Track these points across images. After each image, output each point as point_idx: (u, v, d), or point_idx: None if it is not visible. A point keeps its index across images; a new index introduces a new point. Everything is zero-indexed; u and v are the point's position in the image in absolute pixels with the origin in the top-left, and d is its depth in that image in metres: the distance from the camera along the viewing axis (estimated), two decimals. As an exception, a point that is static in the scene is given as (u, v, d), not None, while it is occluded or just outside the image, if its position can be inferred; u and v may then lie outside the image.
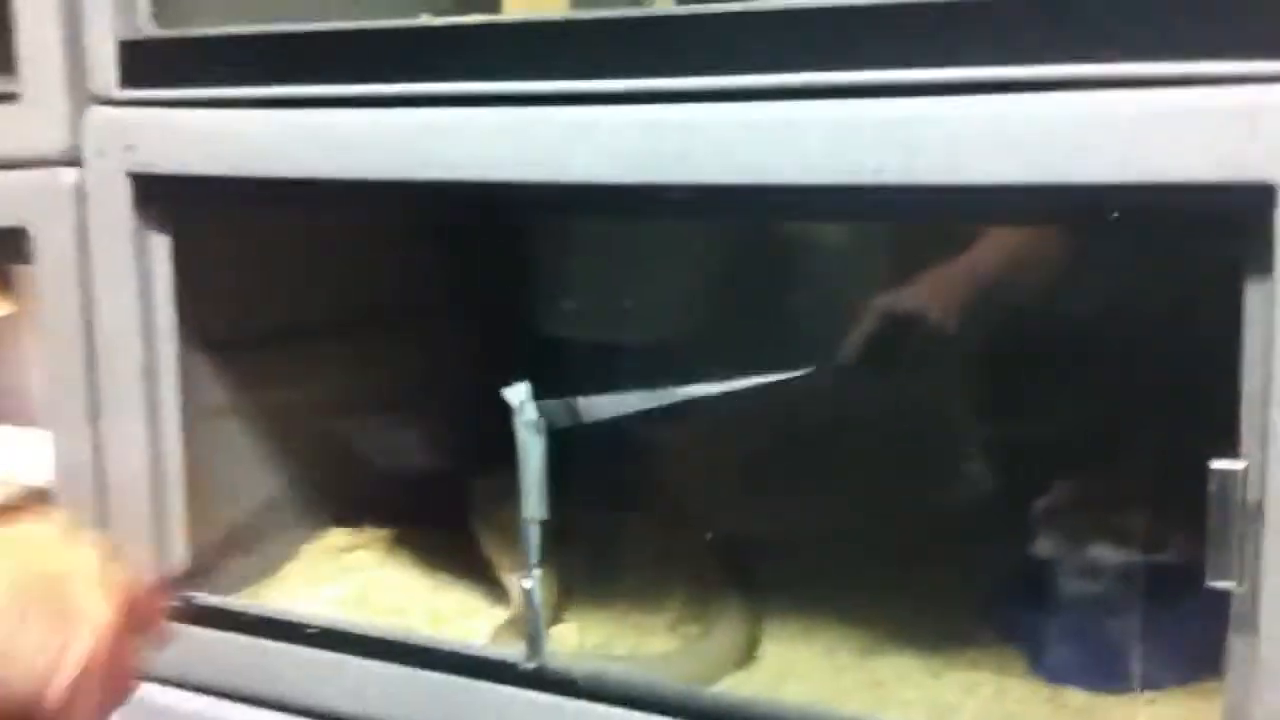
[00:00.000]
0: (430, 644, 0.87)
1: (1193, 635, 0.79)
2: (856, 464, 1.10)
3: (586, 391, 0.82)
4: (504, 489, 0.84)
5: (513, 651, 0.83)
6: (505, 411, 0.80)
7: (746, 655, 0.93)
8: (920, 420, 1.09)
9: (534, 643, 0.83)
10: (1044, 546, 0.92)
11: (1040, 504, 0.94)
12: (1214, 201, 0.62)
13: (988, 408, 1.08)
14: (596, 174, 0.75)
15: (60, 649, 0.55)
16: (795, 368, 0.84)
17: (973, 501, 1.07)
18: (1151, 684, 0.84)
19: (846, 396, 1.05)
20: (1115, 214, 0.63)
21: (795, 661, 0.92)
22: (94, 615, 0.57)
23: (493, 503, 0.98)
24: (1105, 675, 0.86)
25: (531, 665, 0.82)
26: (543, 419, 0.80)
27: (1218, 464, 0.63)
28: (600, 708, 0.80)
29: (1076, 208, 0.64)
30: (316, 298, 0.98)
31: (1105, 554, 0.90)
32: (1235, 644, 0.65)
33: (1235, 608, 0.65)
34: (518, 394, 0.80)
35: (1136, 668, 0.85)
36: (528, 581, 0.82)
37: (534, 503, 0.81)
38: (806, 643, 0.94)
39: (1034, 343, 1.01)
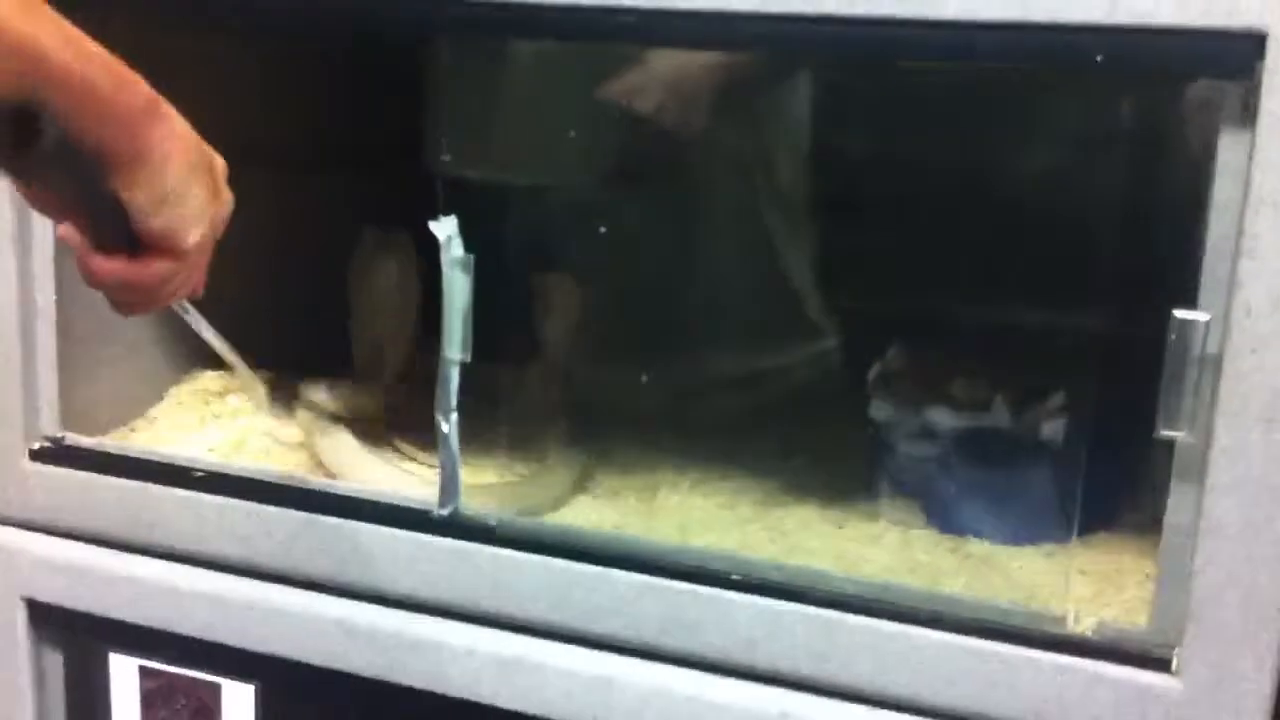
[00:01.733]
0: (327, 488, 0.82)
1: (1090, 491, 0.81)
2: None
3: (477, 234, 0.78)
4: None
5: (425, 497, 0.80)
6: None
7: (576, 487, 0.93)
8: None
9: (447, 489, 0.79)
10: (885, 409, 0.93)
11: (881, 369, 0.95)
12: (1201, 48, 0.61)
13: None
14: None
15: (211, 208, 0.61)
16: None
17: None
18: (1046, 537, 0.86)
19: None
20: (1100, 58, 0.62)
21: (696, 515, 0.91)
22: (227, 199, 0.64)
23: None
24: (999, 529, 0.87)
25: (445, 512, 0.79)
26: (470, 257, 0.76)
27: (1179, 314, 0.63)
28: (514, 553, 0.78)
29: (1064, 49, 0.63)
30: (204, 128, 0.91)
31: (1001, 415, 0.91)
32: (1178, 494, 0.66)
33: (1181, 458, 0.66)
34: (444, 229, 0.75)
35: (1030, 518, 0.87)
36: (445, 426, 0.78)
37: (457, 342, 0.77)
38: (704, 498, 0.93)
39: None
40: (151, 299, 0.62)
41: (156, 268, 0.60)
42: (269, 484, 0.83)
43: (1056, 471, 0.86)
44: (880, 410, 0.92)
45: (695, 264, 1.11)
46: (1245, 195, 0.61)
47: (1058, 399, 0.87)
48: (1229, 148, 0.62)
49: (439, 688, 0.79)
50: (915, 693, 0.71)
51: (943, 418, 0.91)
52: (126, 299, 0.62)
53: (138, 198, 0.57)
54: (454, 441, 0.79)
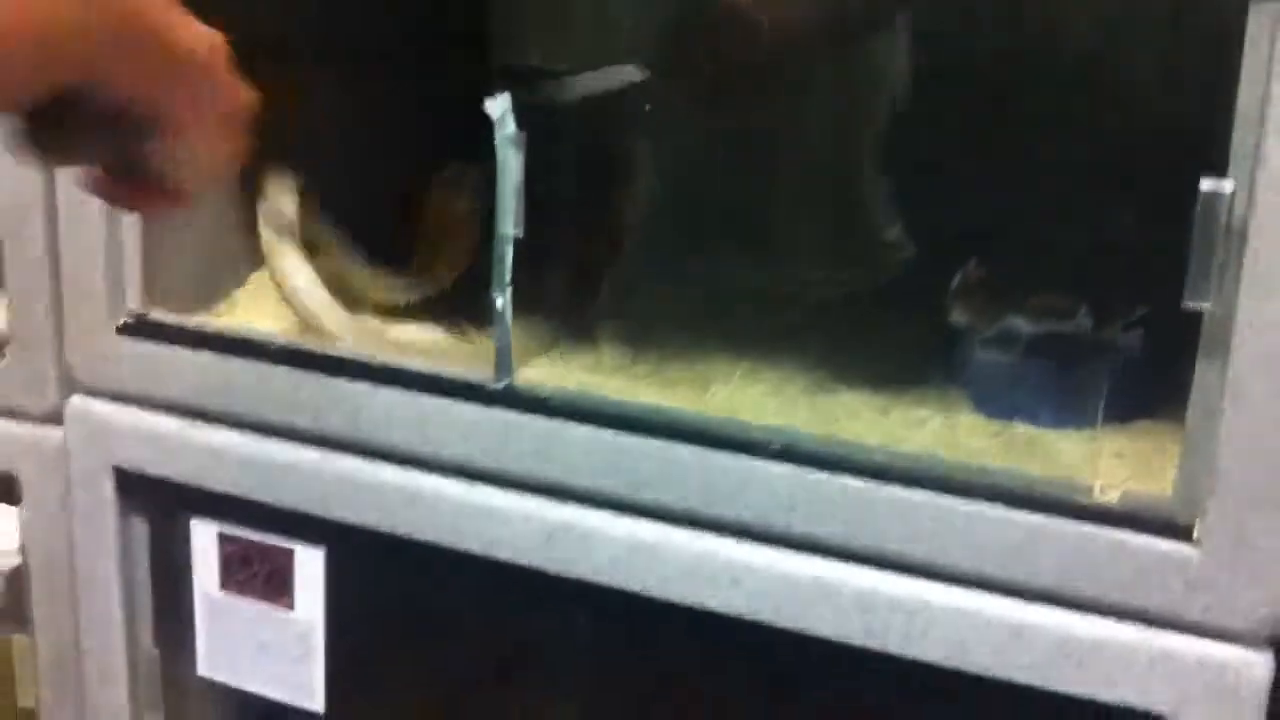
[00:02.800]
0: (396, 364, 0.86)
1: (1128, 380, 0.83)
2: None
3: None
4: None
5: (481, 372, 0.84)
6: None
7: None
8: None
9: (502, 362, 0.83)
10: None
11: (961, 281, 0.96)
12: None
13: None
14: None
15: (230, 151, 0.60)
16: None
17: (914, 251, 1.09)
18: (1090, 423, 0.87)
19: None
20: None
21: (743, 400, 0.93)
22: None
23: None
24: (1043, 413, 0.88)
25: (500, 385, 0.83)
26: (523, 134, 0.79)
27: (1206, 184, 0.64)
28: (565, 424, 0.81)
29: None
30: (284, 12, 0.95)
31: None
32: (1204, 366, 0.68)
33: (1207, 330, 0.67)
34: (499, 106, 0.78)
35: (1073, 407, 0.88)
36: (499, 299, 0.82)
37: (510, 218, 0.80)
38: (753, 386, 0.95)
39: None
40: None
41: (175, 201, 0.61)
42: (337, 359, 0.87)
43: (1113, 365, 0.88)
44: (960, 316, 0.94)
45: (769, 169, 1.13)
46: (1270, 64, 0.62)
47: (1134, 308, 0.88)
48: (1256, 19, 0.62)
49: (493, 552, 0.83)
50: (944, 559, 0.73)
51: (1022, 325, 0.92)
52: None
53: (159, 162, 0.57)
54: (508, 317, 0.82)
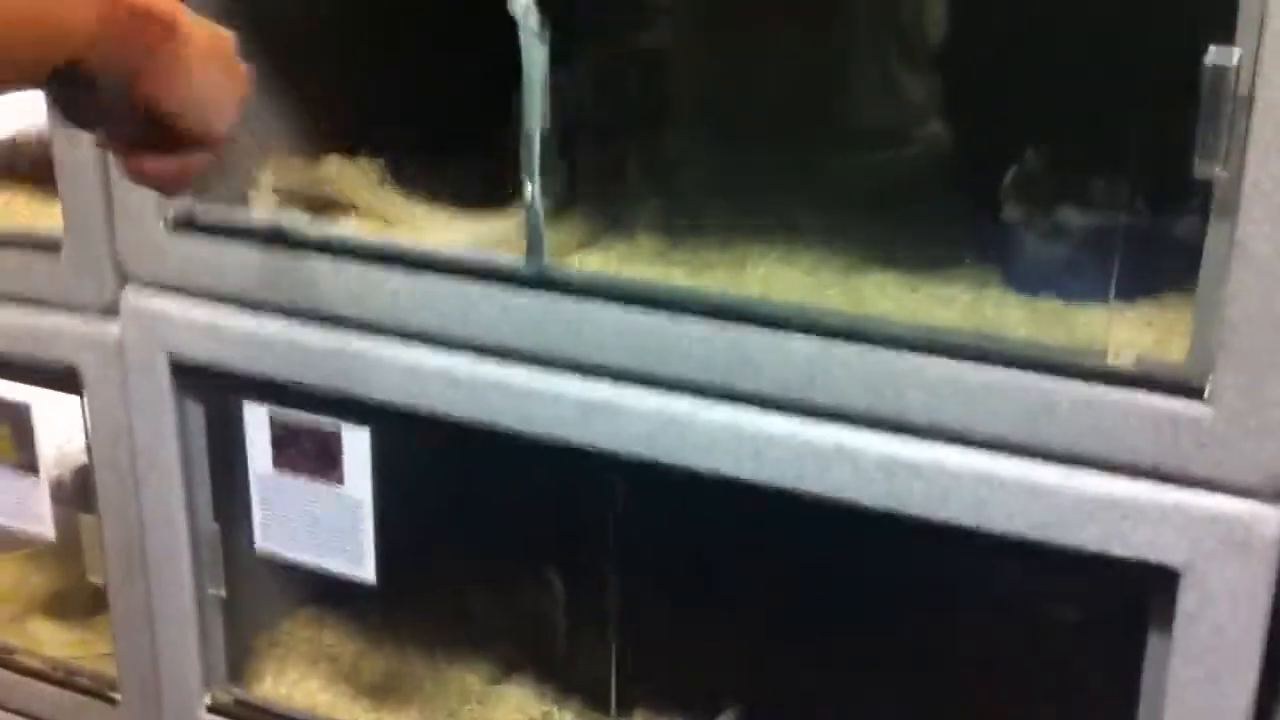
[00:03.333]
0: (432, 250, 0.89)
1: (1159, 255, 0.84)
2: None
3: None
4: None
5: (513, 257, 0.86)
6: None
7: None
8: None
9: (534, 247, 0.85)
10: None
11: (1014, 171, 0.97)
12: None
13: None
14: None
15: (234, 89, 0.67)
16: None
17: (953, 141, 1.10)
18: (1121, 295, 0.88)
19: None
20: None
21: (777, 281, 0.95)
22: (242, 74, 0.68)
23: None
24: (1076, 287, 0.90)
25: (531, 269, 0.85)
26: (546, 27, 0.80)
27: (1212, 54, 0.65)
28: (593, 305, 0.84)
29: None
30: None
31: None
32: (1214, 231, 0.69)
33: (1218, 194, 0.68)
34: (522, 3, 0.80)
35: (1105, 280, 0.89)
36: (529, 187, 0.84)
37: (537, 113, 0.82)
38: (787, 266, 0.97)
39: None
40: (193, 180, 0.68)
41: (198, 158, 0.66)
42: (375, 246, 0.90)
43: (1146, 244, 0.88)
44: (1014, 210, 0.94)
45: (809, 52, 1.13)
46: (1275, -72, 0.62)
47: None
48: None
49: (528, 429, 0.87)
50: (962, 424, 0.76)
51: (1074, 217, 0.93)
52: (173, 188, 0.69)
53: (167, 105, 0.62)
54: (538, 204, 0.84)
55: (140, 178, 0.66)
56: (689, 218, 1.02)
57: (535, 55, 0.82)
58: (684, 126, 1.08)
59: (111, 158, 0.90)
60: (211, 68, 0.64)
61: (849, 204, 1.06)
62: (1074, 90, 0.97)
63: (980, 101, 1.05)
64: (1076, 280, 0.90)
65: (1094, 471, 0.73)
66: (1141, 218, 0.89)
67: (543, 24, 0.81)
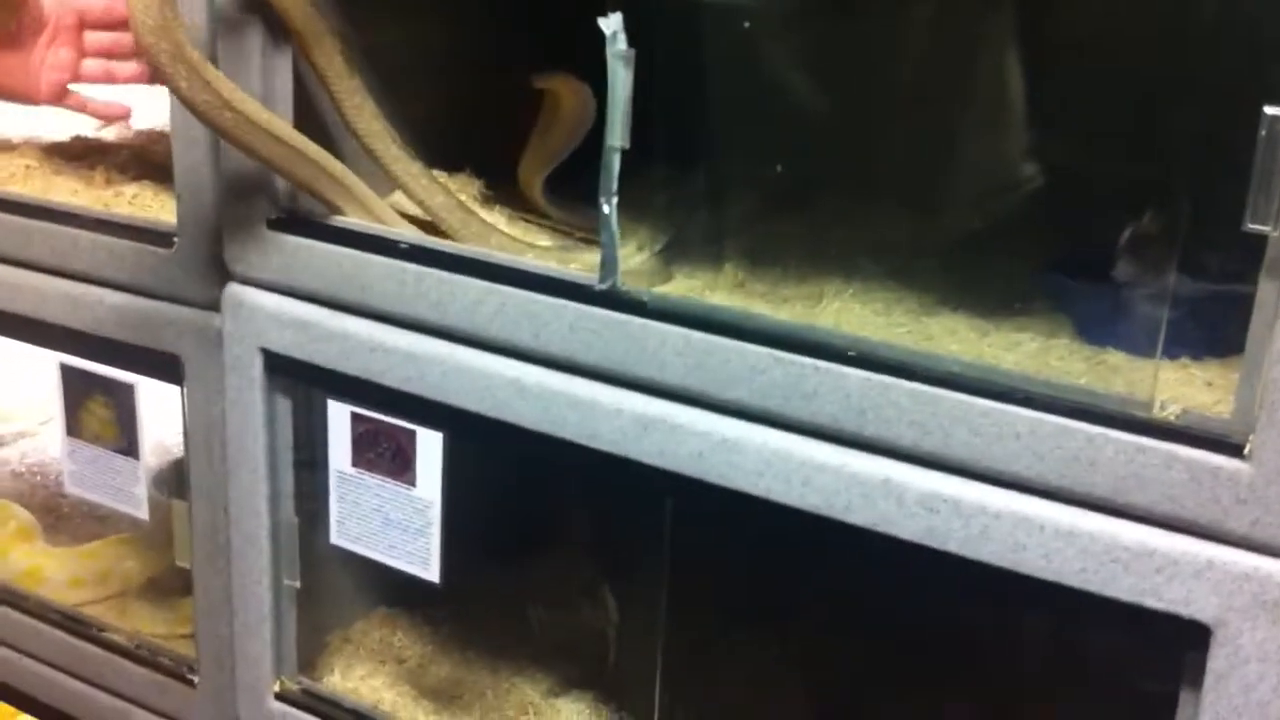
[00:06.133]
0: (509, 263, 0.93)
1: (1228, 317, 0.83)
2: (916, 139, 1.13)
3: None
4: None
5: (586, 273, 0.89)
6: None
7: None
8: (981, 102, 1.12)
9: (607, 265, 0.88)
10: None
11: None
12: None
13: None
14: None
15: None
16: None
17: (1032, 183, 1.10)
18: (1189, 352, 0.88)
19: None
20: None
21: (850, 317, 0.97)
22: None
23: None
24: (1144, 341, 0.89)
25: (604, 286, 0.88)
26: (632, 51, 0.83)
27: (1269, 110, 0.66)
28: (660, 325, 0.86)
29: None
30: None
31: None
32: (1263, 289, 0.69)
33: (1271, 252, 0.68)
34: (611, 24, 0.83)
35: (1174, 336, 0.89)
36: (606, 208, 0.87)
37: (618, 131, 0.85)
38: (861, 305, 0.99)
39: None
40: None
41: None
42: (458, 256, 0.94)
43: (1222, 304, 0.88)
44: (1127, 269, 0.95)
45: (895, 97, 1.14)
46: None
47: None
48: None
49: (590, 441, 0.89)
50: (1005, 466, 0.76)
51: (1186, 282, 0.93)
52: None
53: None
54: (614, 223, 0.87)
55: None
56: (771, 251, 1.04)
57: (620, 76, 0.85)
58: (770, 161, 1.10)
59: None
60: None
61: (932, 247, 1.07)
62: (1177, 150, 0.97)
63: (1071, 153, 1.06)
64: (1148, 335, 0.90)
65: (1133, 522, 0.74)
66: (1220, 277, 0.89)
67: (630, 46, 0.84)
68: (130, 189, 1.20)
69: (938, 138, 1.15)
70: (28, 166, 1.25)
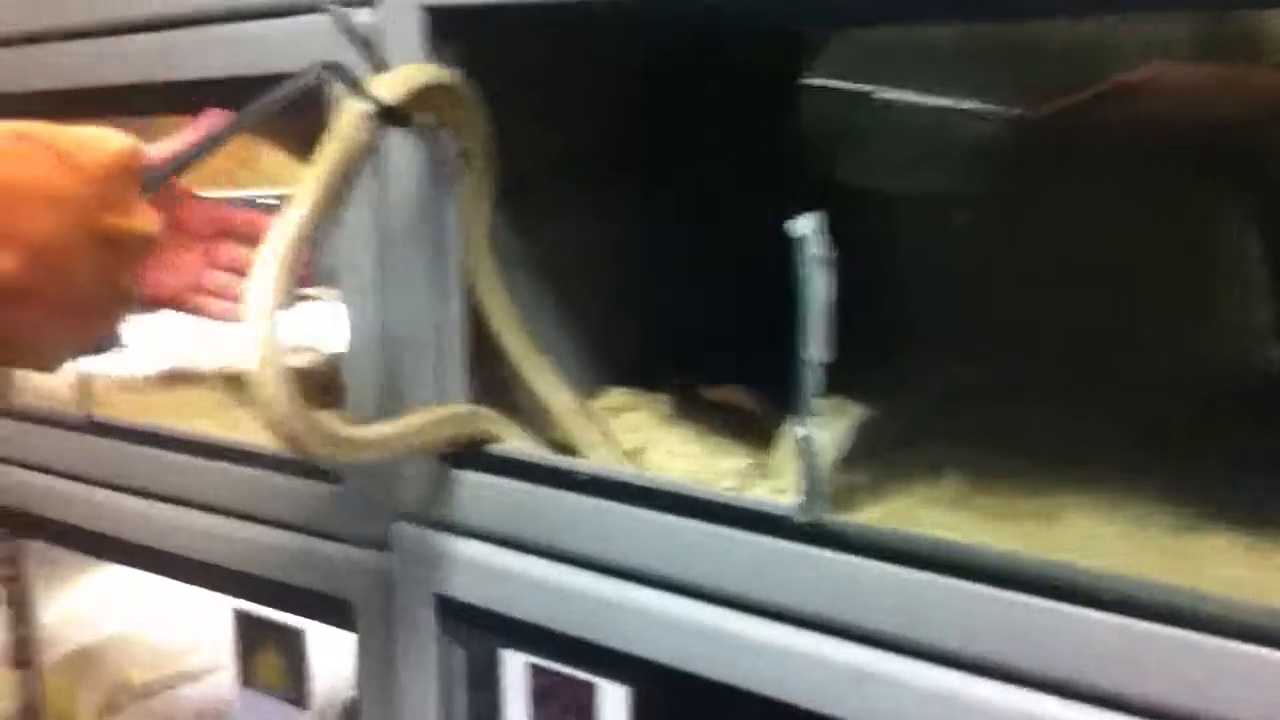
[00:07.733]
0: (700, 494, 0.83)
1: None
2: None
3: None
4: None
5: (788, 504, 0.79)
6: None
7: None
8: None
9: (811, 495, 0.78)
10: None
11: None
12: None
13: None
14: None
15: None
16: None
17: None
18: None
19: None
20: None
21: (1095, 541, 0.84)
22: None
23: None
24: None
25: (806, 519, 0.78)
26: (835, 253, 0.74)
27: None
28: (870, 563, 0.75)
29: None
30: (600, 135, 0.95)
31: None
32: None
33: None
34: (805, 226, 0.74)
35: None
36: (802, 430, 0.77)
37: (817, 343, 0.75)
38: (1107, 521, 0.86)
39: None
40: None
41: None
42: (643, 487, 0.84)
43: None
44: None
45: (1128, 273, 1.05)
46: None
47: None
48: None
49: (798, 700, 0.77)
50: None
51: None
52: None
53: None
54: (814, 444, 0.77)
55: None
56: (996, 458, 0.93)
57: (817, 282, 0.75)
58: (986, 354, 1.00)
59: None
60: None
61: (1181, 439, 0.94)
62: None
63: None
64: None
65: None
66: None
67: (829, 249, 0.75)
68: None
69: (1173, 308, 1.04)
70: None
